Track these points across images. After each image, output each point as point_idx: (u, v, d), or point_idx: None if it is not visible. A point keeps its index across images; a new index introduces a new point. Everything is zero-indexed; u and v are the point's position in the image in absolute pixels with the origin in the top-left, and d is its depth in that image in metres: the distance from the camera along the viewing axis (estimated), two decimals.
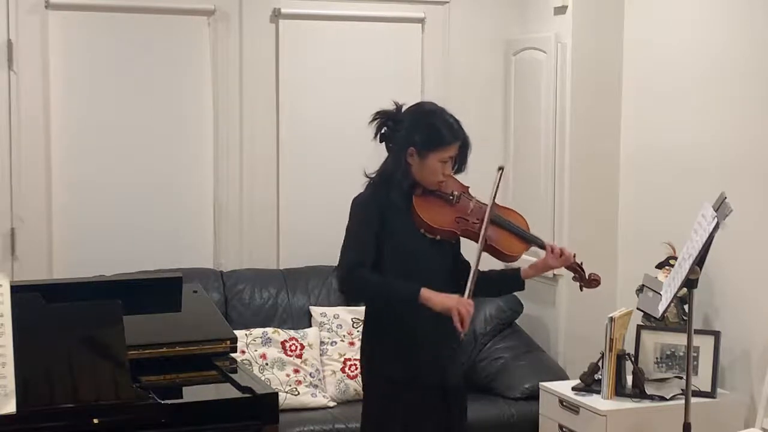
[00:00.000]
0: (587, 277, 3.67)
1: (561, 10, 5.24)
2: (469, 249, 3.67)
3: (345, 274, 3.51)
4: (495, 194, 3.58)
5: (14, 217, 5.00)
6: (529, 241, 3.64)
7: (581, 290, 3.72)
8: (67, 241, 5.10)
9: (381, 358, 3.58)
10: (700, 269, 3.68)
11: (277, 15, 5.32)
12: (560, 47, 5.22)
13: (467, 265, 3.64)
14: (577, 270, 3.67)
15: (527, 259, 3.76)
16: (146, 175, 5.21)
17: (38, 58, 4.99)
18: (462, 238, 3.64)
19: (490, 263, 3.73)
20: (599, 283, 3.69)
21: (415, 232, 3.51)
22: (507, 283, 3.75)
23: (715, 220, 3.55)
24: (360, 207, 3.54)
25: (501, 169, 3.64)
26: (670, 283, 3.81)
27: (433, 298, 3.44)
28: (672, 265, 4.35)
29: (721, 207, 3.63)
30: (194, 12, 5.23)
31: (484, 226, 3.51)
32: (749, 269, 4.47)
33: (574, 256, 3.65)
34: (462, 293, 3.47)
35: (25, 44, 4.96)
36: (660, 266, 4.66)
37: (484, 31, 5.66)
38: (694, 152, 4.77)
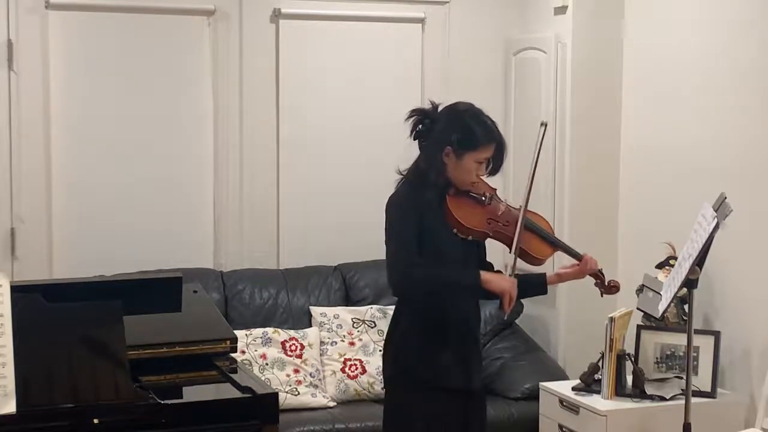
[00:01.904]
0: (607, 284, 3.70)
1: (561, 10, 5.24)
2: (491, 251, 3.73)
3: (402, 276, 3.46)
4: (539, 151, 3.61)
5: (14, 217, 5.00)
6: (557, 246, 3.68)
7: (602, 296, 3.76)
8: (67, 241, 5.10)
9: (405, 358, 3.57)
10: (700, 269, 3.69)
11: (277, 15, 5.32)
12: (560, 47, 5.22)
13: (491, 267, 3.67)
14: (598, 276, 3.70)
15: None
16: (146, 175, 5.21)
17: (38, 58, 4.99)
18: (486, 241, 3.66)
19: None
20: (618, 290, 3.73)
21: (448, 232, 3.51)
22: (532, 287, 3.74)
23: (715, 220, 3.55)
24: (398, 206, 3.53)
25: (544, 124, 3.65)
26: (670, 283, 3.81)
27: (492, 279, 3.49)
28: (672, 265, 4.35)
29: (721, 207, 3.62)
30: (194, 12, 5.23)
31: (520, 220, 3.54)
32: (749, 269, 4.47)
33: (596, 264, 3.69)
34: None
35: (25, 44, 4.96)
36: (660, 266, 4.66)
37: (484, 31, 5.66)
38: (694, 152, 4.77)
